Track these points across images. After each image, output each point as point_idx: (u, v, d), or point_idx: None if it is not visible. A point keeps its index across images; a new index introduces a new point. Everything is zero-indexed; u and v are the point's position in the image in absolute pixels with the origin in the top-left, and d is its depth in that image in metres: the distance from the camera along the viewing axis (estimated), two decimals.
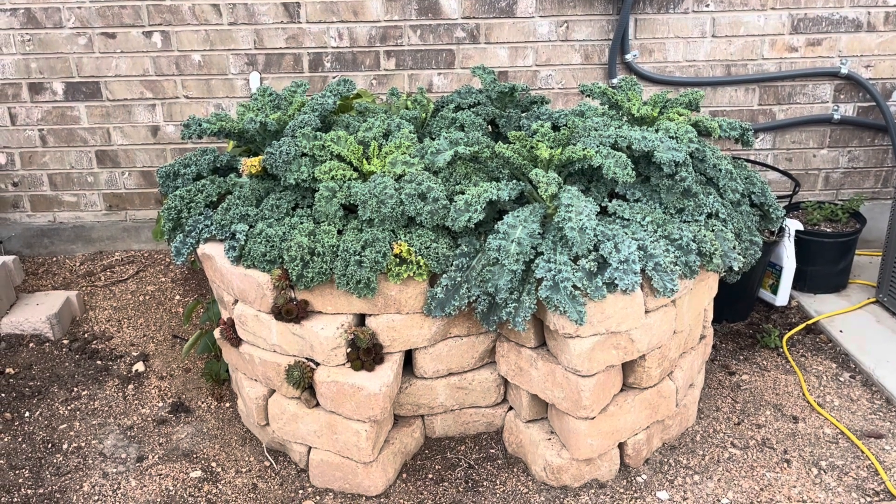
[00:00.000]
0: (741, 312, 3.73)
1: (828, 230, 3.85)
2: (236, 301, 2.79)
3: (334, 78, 4.06)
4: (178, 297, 3.99)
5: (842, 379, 3.29)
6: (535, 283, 2.47)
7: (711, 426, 3.00)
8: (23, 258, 4.35)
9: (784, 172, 3.76)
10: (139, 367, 3.44)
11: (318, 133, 2.83)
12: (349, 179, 2.74)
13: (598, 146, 2.65)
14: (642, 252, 2.46)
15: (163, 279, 4.14)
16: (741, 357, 3.47)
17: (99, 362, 3.47)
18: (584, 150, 2.56)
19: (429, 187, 2.58)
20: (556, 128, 3.08)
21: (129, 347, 3.58)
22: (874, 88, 4.09)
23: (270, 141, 3.00)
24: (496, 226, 2.48)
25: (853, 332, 3.58)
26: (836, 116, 4.18)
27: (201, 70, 4.04)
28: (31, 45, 3.97)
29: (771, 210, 2.91)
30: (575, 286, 2.39)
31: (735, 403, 3.13)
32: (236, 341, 2.80)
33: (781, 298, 3.77)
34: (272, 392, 2.82)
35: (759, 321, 3.75)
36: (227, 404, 3.20)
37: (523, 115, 3.31)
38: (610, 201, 2.69)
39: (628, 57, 4.00)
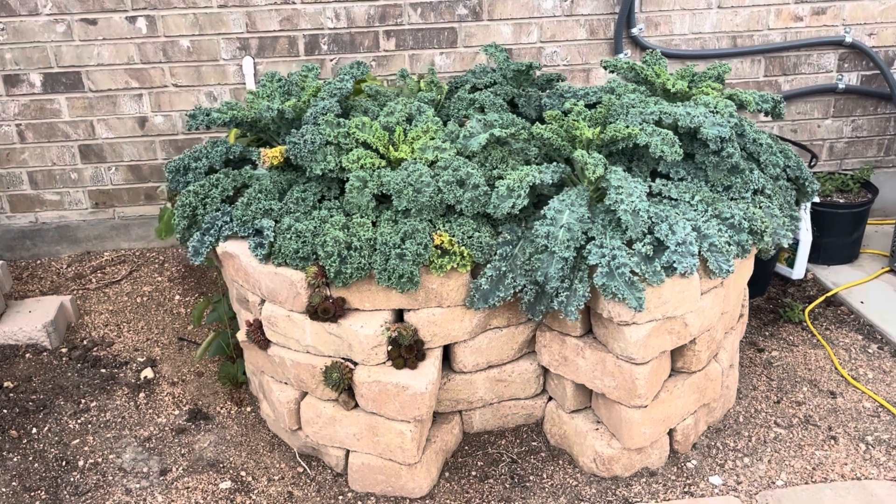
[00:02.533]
0: (759, 287, 3.69)
1: (840, 201, 3.83)
2: (263, 301, 2.63)
3: (332, 60, 3.88)
4: (177, 296, 3.79)
5: (870, 351, 3.27)
6: (587, 269, 2.37)
7: (752, 406, 2.95)
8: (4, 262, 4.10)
9: (801, 145, 3.71)
10: (148, 373, 3.25)
11: (341, 119, 2.68)
12: (378, 168, 2.59)
13: (640, 124, 2.55)
14: (696, 233, 2.37)
15: (159, 278, 3.94)
16: (767, 333, 3.42)
17: (104, 370, 3.27)
18: (628, 128, 2.45)
19: (468, 173, 2.45)
20: (585, 107, 2.97)
21: (133, 353, 3.39)
22: (878, 56, 4.07)
23: (287, 130, 2.84)
24: (543, 211, 2.37)
25: (874, 302, 3.56)
26: (841, 86, 4.14)
27: (190, 56, 3.82)
28: (4, 35, 3.71)
29: (806, 183, 2.85)
30: (633, 271, 2.29)
31: (770, 381, 3.09)
32: (264, 343, 2.64)
33: (798, 271, 3.73)
34: (304, 395, 2.68)
35: (778, 295, 3.71)
36: (249, 408, 3.04)
37: (543, 93, 3.20)
38: (653, 181, 2.59)
39: (634, 31, 3.90)
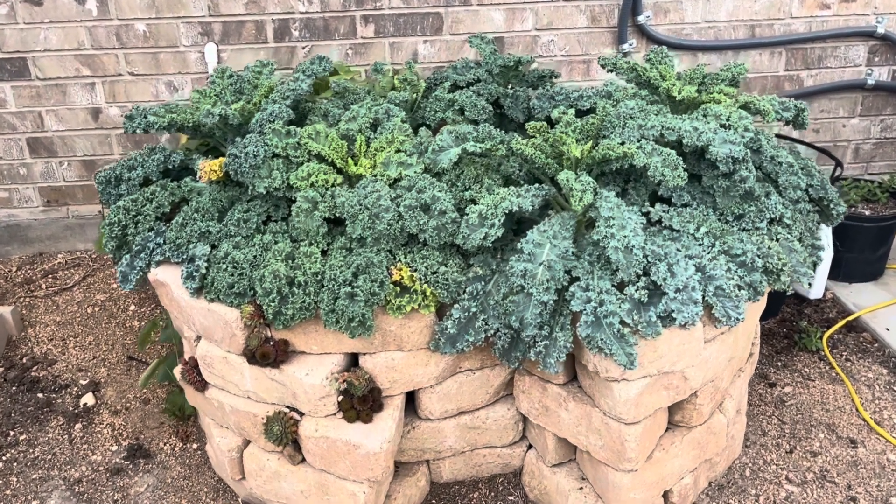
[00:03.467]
0: (772, 307, 3.32)
1: (866, 213, 3.44)
2: (199, 338, 2.29)
3: (304, 48, 3.50)
4: (132, 307, 3.46)
5: None
6: (570, 315, 2.01)
7: (761, 457, 2.60)
8: None
9: (825, 151, 3.32)
10: (88, 399, 2.93)
11: (291, 128, 2.31)
12: (333, 185, 2.23)
13: (639, 140, 2.17)
14: (700, 274, 2.00)
15: (114, 285, 3.61)
16: (779, 363, 3.06)
17: (40, 395, 2.95)
18: (623, 146, 2.08)
19: (434, 196, 2.09)
20: (578, 113, 2.59)
21: (76, 374, 3.07)
22: None
23: (234, 136, 2.47)
24: (520, 244, 2.00)
25: None
26: (870, 81, 3.73)
27: (147, 42, 3.45)
28: None
29: (831, 206, 2.47)
30: (623, 321, 1.93)
31: (783, 425, 2.73)
32: (201, 385, 2.30)
33: (816, 291, 3.36)
34: (248, 442, 2.35)
35: (792, 317, 3.34)
36: (195, 445, 2.72)
37: (533, 94, 2.82)
38: (652, 206, 2.22)
39: (641, 18, 3.49)
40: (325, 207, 2.15)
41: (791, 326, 3.28)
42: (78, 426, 2.81)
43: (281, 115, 2.30)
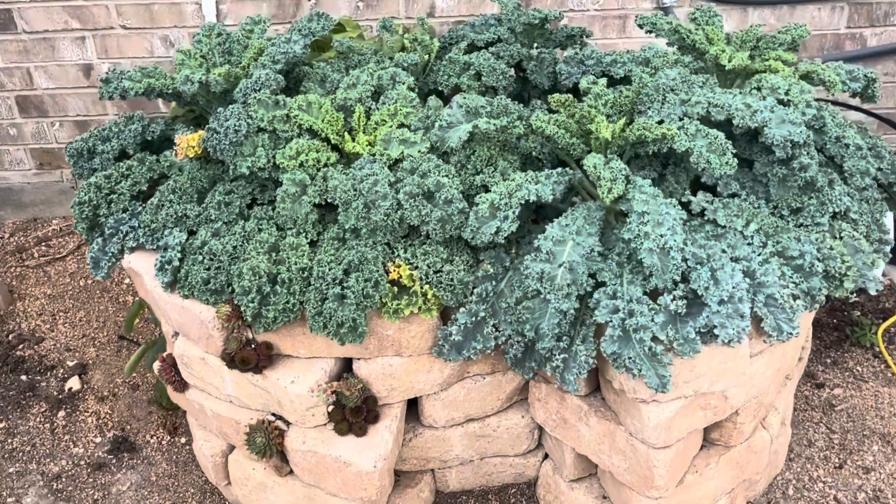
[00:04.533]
0: None
1: None
2: (177, 334, 2.05)
3: (310, 1, 3.18)
4: (127, 280, 3.25)
5: None
6: (593, 325, 1.73)
7: (806, 472, 2.32)
8: None
9: (888, 121, 2.95)
10: (74, 384, 2.73)
11: (279, 98, 2.02)
12: (326, 165, 1.95)
13: (680, 118, 1.85)
14: (749, 280, 1.70)
15: None
16: (828, 360, 2.76)
17: (24, 377, 2.76)
18: (661, 126, 1.76)
19: (438, 183, 1.80)
20: (611, 81, 2.26)
21: (63, 354, 2.87)
22: None
23: (219, 105, 2.19)
24: (537, 241, 1.72)
25: None
26: None
27: None
28: None
29: None
30: (656, 337, 1.65)
31: (831, 434, 2.45)
32: (180, 385, 2.08)
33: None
34: (233, 447, 2.12)
35: (844, 306, 3.02)
36: (183, 439, 2.51)
37: (560, 57, 2.49)
38: (693, 194, 1.91)
39: None
40: (314, 192, 1.87)
41: (842, 317, 2.97)
42: (61, 414, 2.62)
43: (268, 83, 2.01)
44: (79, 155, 2.20)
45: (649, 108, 1.92)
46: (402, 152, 1.93)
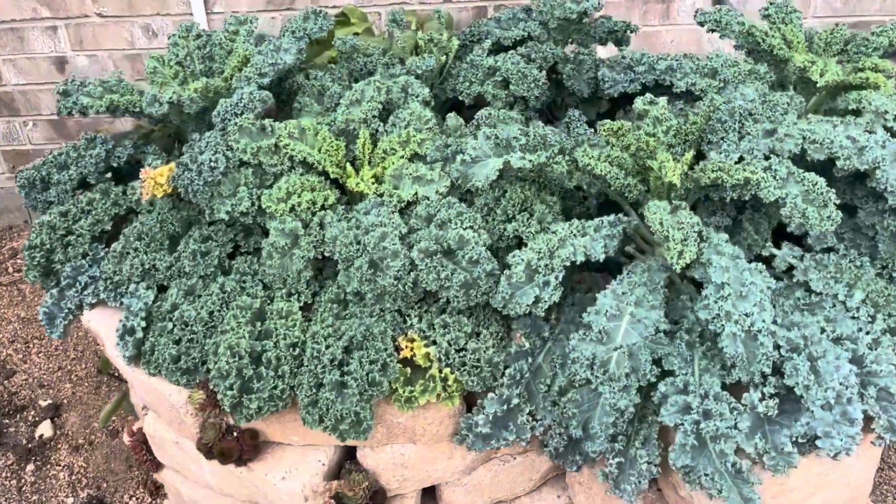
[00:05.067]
0: None
1: None
2: (146, 407, 1.72)
3: None
4: None
5: None
6: (656, 424, 1.38)
7: None
8: None
9: None
10: (45, 429, 2.42)
11: (266, 122, 1.65)
12: (324, 207, 1.59)
13: (766, 156, 1.48)
14: (856, 368, 1.34)
15: None
16: None
17: None
18: (743, 169, 1.39)
19: (461, 238, 1.44)
20: (665, 91, 1.87)
21: (36, 391, 2.55)
22: None
23: (196, 125, 1.84)
24: (587, 317, 1.36)
25: None
26: None
27: None
28: None
29: None
30: (740, 448, 1.30)
31: None
32: (154, 465, 1.75)
33: None
34: None
35: None
36: (166, 502, 2.20)
37: (602, 56, 2.11)
38: (776, 244, 1.55)
39: None
40: (309, 244, 1.52)
41: None
42: (30, 468, 2.31)
43: (252, 105, 1.64)
44: (31, 185, 1.85)
45: (723, 138, 1.55)
46: (416, 193, 1.57)
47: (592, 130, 2.00)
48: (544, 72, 2.07)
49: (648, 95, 1.64)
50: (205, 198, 1.57)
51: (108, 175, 1.90)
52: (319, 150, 1.64)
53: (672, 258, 1.33)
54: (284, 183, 1.57)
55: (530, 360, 1.48)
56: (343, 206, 1.61)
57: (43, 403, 2.52)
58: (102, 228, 1.76)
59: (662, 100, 1.62)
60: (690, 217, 1.38)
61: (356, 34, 2.33)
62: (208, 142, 1.60)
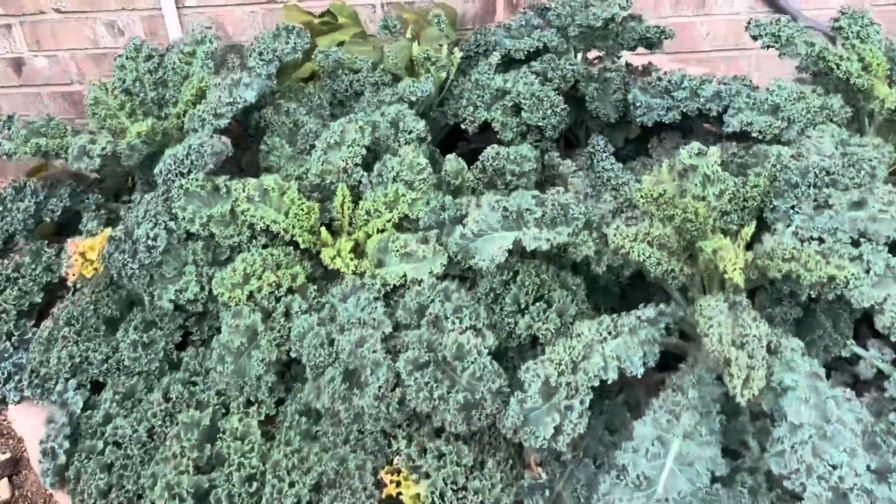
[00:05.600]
0: None
1: None
2: None
3: None
4: None
5: None
6: None
7: None
8: None
9: None
10: (2, 490, 2.15)
11: (220, 181, 1.34)
12: (291, 290, 1.29)
13: (854, 239, 1.15)
14: None
15: None
16: None
17: None
18: (827, 263, 1.07)
19: (460, 348, 1.13)
20: (715, 123, 1.54)
21: None
22: None
23: (144, 173, 1.52)
24: (620, 458, 1.06)
25: None
26: None
27: None
28: None
29: None
30: None
31: None
32: None
33: None
34: None
35: None
36: None
37: (633, 80, 1.77)
38: (857, 339, 1.22)
39: None
40: (270, 342, 1.22)
41: None
42: None
43: (200, 162, 1.32)
44: None
45: (793, 208, 1.22)
46: (405, 274, 1.25)
47: (620, 166, 1.68)
48: (562, 94, 1.74)
49: (696, 146, 1.30)
50: (142, 283, 1.26)
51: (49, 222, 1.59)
52: (286, 215, 1.33)
53: (734, 388, 1.02)
54: (241, 263, 1.26)
55: (547, 492, 1.18)
56: (315, 287, 1.30)
57: (1, 457, 2.25)
58: (31, 301, 1.47)
59: (714, 152, 1.28)
60: (757, 326, 1.06)
61: (340, 44, 1.99)
62: (147, 209, 1.28)
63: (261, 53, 1.59)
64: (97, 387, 1.35)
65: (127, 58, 1.67)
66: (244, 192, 1.31)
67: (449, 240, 1.26)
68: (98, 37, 2.56)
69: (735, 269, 1.09)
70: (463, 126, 1.73)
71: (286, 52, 1.59)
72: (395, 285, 1.26)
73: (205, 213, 1.29)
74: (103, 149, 1.36)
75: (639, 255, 1.15)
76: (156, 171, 1.34)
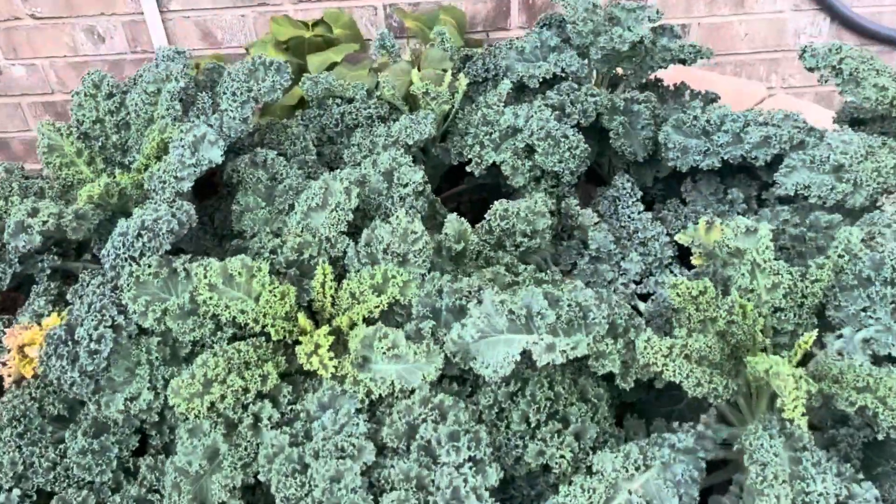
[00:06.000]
0: None
1: None
2: None
3: None
4: None
5: None
6: None
7: None
8: None
9: None
10: None
11: (178, 263, 1.14)
12: (261, 395, 1.10)
13: None
14: None
15: None
16: None
17: None
18: None
19: (456, 494, 0.93)
20: (744, 167, 1.31)
21: None
22: None
23: (102, 236, 1.33)
24: None
25: None
26: None
27: None
28: None
29: None
30: None
31: None
32: None
33: None
34: None
35: None
36: None
37: (666, 110, 1.55)
38: None
39: None
40: (233, 465, 1.03)
41: None
42: None
43: (153, 244, 1.12)
44: None
45: (865, 310, 1.00)
46: (392, 384, 1.05)
47: (649, 216, 1.46)
48: (583, 128, 1.51)
49: (742, 222, 1.08)
50: (86, 391, 1.07)
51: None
52: (257, 301, 1.13)
53: None
54: (201, 368, 1.06)
55: None
56: (289, 389, 1.11)
57: None
58: None
59: (766, 233, 1.06)
60: (824, 480, 0.86)
61: (334, 64, 1.77)
62: (91, 302, 1.09)
63: (234, 94, 1.37)
64: (45, 495, 1.18)
65: (85, 95, 1.46)
66: (206, 278, 1.11)
67: (446, 337, 1.06)
68: (77, 44, 2.37)
69: (796, 406, 0.87)
70: (468, 169, 1.52)
71: (263, 92, 1.38)
72: (379, 395, 1.06)
73: (159, 307, 1.10)
74: (45, 223, 1.16)
75: (675, 375, 0.94)
76: (103, 252, 1.14)
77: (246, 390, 1.09)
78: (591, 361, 1.00)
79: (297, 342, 1.16)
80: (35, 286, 1.30)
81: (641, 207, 1.48)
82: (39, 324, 1.20)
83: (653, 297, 1.37)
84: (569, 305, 1.01)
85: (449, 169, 1.67)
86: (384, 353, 1.07)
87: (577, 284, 1.04)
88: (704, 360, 0.97)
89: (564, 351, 0.98)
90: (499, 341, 1.03)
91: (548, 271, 1.39)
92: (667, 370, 0.95)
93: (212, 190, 1.53)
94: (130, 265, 1.10)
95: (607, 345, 0.99)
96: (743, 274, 1.05)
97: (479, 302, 1.06)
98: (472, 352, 1.04)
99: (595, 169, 1.76)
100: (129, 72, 2.40)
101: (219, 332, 1.13)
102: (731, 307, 0.99)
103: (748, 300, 1.03)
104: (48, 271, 1.36)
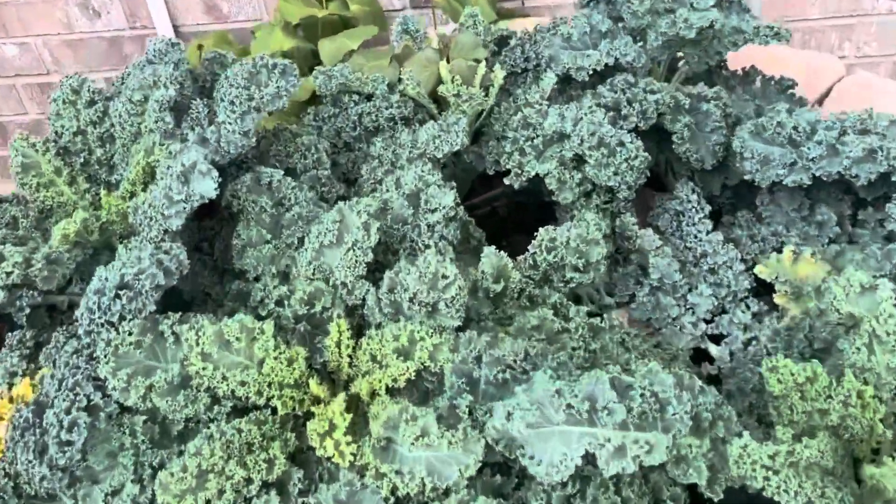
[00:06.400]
0: None
1: None
2: None
3: None
4: None
5: None
6: None
7: None
8: None
9: None
10: None
11: (165, 327, 0.96)
12: (265, 485, 0.92)
13: None
14: None
15: None
16: None
17: None
18: None
19: None
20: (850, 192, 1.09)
21: None
22: None
23: (88, 266, 1.15)
24: None
25: None
26: None
27: None
28: None
29: None
30: None
31: None
32: None
33: None
34: None
35: None
36: None
37: (737, 113, 1.32)
38: None
39: None
40: None
41: None
42: None
43: (134, 305, 0.93)
44: None
45: None
46: (423, 479, 0.87)
47: (720, 238, 1.25)
48: (641, 131, 1.29)
49: (855, 279, 0.87)
50: (59, 486, 0.90)
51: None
52: (260, 368, 0.95)
53: None
54: (194, 458, 0.89)
55: None
56: (300, 475, 0.93)
57: None
58: None
59: (887, 290, 0.85)
60: None
61: (351, 52, 1.55)
62: (63, 377, 0.91)
63: (232, 102, 1.17)
64: None
65: (64, 102, 1.27)
66: (198, 346, 0.92)
67: (488, 422, 0.87)
68: (71, 20, 2.17)
69: None
70: (507, 181, 1.31)
71: (266, 100, 1.17)
72: (399, 500, 0.88)
73: (142, 382, 0.92)
74: (8, 275, 0.98)
75: (780, 492, 0.75)
76: (76, 314, 0.96)
77: (249, 481, 0.91)
78: (671, 467, 0.80)
79: (309, 414, 0.98)
80: (9, 335, 1.12)
81: (710, 226, 1.27)
82: (11, 386, 1.03)
83: (726, 341, 1.17)
84: (641, 396, 0.81)
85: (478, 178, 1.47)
86: (412, 437, 0.89)
87: (652, 367, 0.84)
88: (815, 468, 0.77)
89: (637, 456, 0.78)
90: (553, 433, 0.84)
91: (601, 307, 1.19)
92: (769, 486, 0.75)
93: (212, 207, 1.34)
94: (108, 332, 0.92)
95: (691, 447, 0.80)
96: (858, 348, 0.84)
97: (528, 382, 0.86)
98: (520, 441, 0.85)
99: (653, 169, 1.54)
100: (128, 50, 2.19)
101: (216, 407, 0.95)
102: (848, 396, 0.79)
103: (864, 381, 0.83)
104: (27, 310, 1.18)
